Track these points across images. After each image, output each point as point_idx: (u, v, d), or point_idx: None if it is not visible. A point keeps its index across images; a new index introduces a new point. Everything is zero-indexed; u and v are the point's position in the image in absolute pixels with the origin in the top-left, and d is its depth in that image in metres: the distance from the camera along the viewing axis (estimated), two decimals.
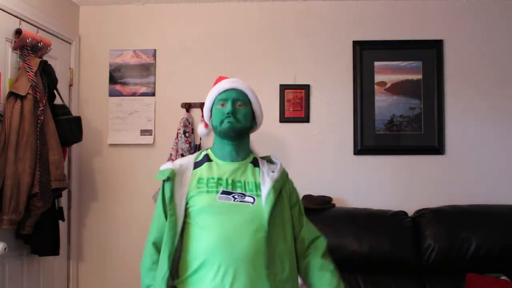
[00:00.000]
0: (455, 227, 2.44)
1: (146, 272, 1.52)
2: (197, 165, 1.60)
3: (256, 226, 1.44)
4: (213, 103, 1.63)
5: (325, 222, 2.52)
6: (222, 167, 1.57)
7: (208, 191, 1.49)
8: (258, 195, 1.50)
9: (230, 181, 1.52)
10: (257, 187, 1.52)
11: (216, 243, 1.42)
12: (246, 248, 1.40)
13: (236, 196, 1.48)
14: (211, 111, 1.65)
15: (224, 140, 1.58)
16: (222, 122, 1.55)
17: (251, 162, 1.62)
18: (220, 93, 1.61)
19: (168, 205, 1.49)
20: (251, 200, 1.49)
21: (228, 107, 1.56)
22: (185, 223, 1.48)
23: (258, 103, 1.66)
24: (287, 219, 1.54)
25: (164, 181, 1.55)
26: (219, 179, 1.52)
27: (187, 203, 1.50)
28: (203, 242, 1.44)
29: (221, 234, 1.43)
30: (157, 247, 1.52)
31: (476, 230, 2.41)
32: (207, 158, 1.61)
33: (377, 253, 2.42)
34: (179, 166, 1.58)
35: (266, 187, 1.52)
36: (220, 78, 1.71)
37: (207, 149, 1.67)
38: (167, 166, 1.58)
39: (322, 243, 1.60)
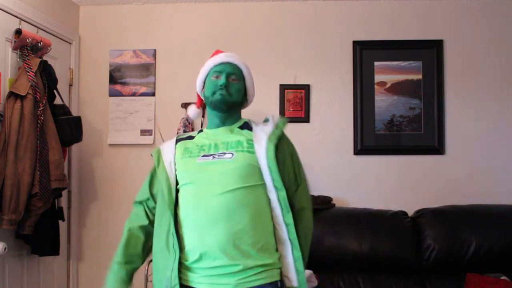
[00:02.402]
0: (455, 227, 2.44)
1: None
2: (181, 139, 1.66)
3: (229, 180, 1.45)
4: (207, 75, 1.65)
5: (325, 222, 2.53)
6: (209, 135, 1.62)
7: (190, 156, 1.55)
8: (238, 150, 1.51)
9: (213, 145, 1.56)
10: (239, 143, 1.53)
11: (191, 202, 1.47)
12: (215, 206, 1.42)
13: (215, 156, 1.51)
14: (204, 83, 1.67)
15: (214, 111, 1.61)
16: (214, 93, 1.58)
17: (239, 127, 1.64)
18: (216, 65, 1.62)
19: (159, 171, 1.58)
20: (229, 156, 1.50)
21: (222, 79, 1.58)
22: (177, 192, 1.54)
23: (251, 80, 1.67)
24: (273, 170, 1.48)
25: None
26: (203, 145, 1.57)
27: (176, 172, 1.55)
28: (183, 205, 1.48)
29: (194, 195, 1.47)
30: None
31: (476, 230, 2.41)
32: (191, 136, 1.68)
33: (377, 253, 2.42)
34: (164, 143, 1.69)
35: (262, 142, 1.52)
36: (217, 52, 1.73)
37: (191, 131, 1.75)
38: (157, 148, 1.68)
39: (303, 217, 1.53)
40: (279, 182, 1.46)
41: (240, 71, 1.63)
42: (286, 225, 1.45)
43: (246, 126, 1.64)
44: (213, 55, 1.70)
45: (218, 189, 1.43)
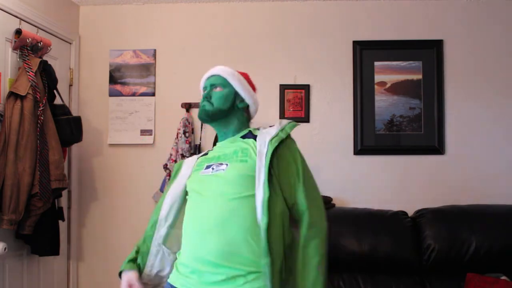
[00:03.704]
0: (455, 227, 2.44)
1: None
2: (205, 154, 1.70)
3: (222, 191, 1.44)
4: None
5: None
6: (217, 148, 1.65)
7: (197, 170, 1.59)
8: (232, 161, 1.50)
9: (216, 157, 1.58)
10: (235, 153, 1.53)
11: (189, 213, 1.50)
12: (208, 218, 1.42)
13: (214, 167, 1.53)
14: None
15: (206, 124, 1.71)
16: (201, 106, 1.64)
17: (242, 136, 1.63)
18: (204, 83, 1.68)
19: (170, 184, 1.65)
20: (224, 166, 1.50)
21: (206, 92, 1.64)
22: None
23: (241, 84, 1.64)
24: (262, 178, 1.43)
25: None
26: (210, 158, 1.60)
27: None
28: (185, 215, 1.53)
29: (191, 207, 1.51)
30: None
31: (476, 230, 2.41)
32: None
33: (377, 253, 2.42)
34: (189, 158, 1.76)
35: (264, 145, 1.49)
36: None
37: None
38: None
39: (304, 220, 1.44)
40: (266, 184, 1.40)
41: (224, 79, 1.64)
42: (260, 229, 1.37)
43: (250, 135, 1.61)
44: None
45: (212, 201, 1.45)
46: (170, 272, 1.54)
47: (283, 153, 1.50)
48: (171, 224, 1.57)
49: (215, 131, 1.71)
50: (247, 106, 1.67)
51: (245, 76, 1.69)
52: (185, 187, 1.59)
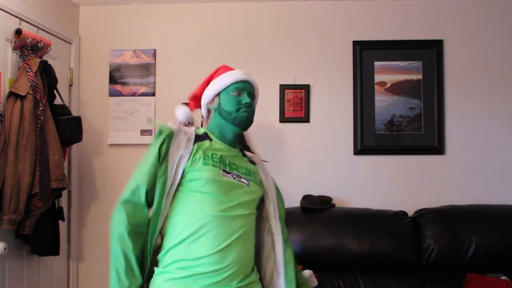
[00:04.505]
0: (455, 227, 2.44)
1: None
2: (199, 138, 1.60)
3: (249, 205, 1.55)
4: (224, 89, 1.63)
5: (325, 222, 2.53)
6: (221, 148, 1.60)
7: (213, 165, 1.51)
8: (251, 180, 1.59)
9: (227, 162, 1.56)
10: (251, 173, 1.62)
11: (215, 215, 1.44)
12: (239, 225, 1.48)
13: (234, 176, 1.55)
14: (216, 96, 1.65)
15: (235, 127, 1.60)
16: (238, 109, 1.59)
17: (240, 151, 1.70)
18: (237, 82, 1.62)
19: (160, 164, 1.50)
20: (246, 182, 1.57)
21: (246, 98, 1.60)
22: (178, 190, 1.49)
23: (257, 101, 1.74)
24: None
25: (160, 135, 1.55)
26: (221, 156, 1.56)
27: (184, 170, 1.49)
28: (204, 210, 1.45)
29: (220, 208, 1.46)
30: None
31: (476, 230, 2.41)
32: (207, 136, 1.63)
33: (377, 253, 2.42)
34: (179, 129, 1.58)
35: (267, 177, 1.71)
36: (225, 67, 1.72)
37: (199, 128, 1.68)
38: (168, 125, 1.58)
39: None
40: (282, 217, 1.66)
41: (256, 92, 1.68)
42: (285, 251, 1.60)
43: (243, 154, 1.70)
44: (220, 70, 1.72)
45: (241, 210, 1.50)
46: None
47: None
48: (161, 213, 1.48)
49: (223, 131, 1.62)
50: None
51: None
52: (182, 173, 1.49)
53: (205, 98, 1.70)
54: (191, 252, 1.41)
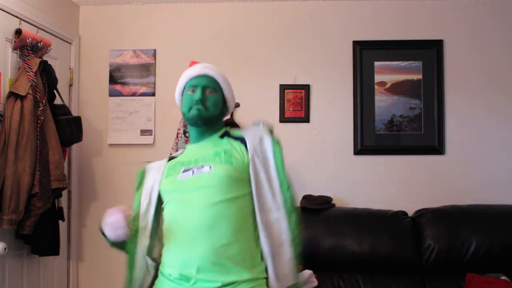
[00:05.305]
0: (455, 227, 2.44)
1: None
2: (172, 158, 1.63)
3: (208, 194, 1.42)
4: (184, 89, 1.59)
5: (325, 222, 2.53)
6: (190, 151, 1.59)
7: (172, 175, 1.52)
8: (216, 163, 1.46)
9: (193, 160, 1.52)
10: (217, 155, 1.49)
11: (172, 219, 1.47)
12: (195, 222, 1.40)
13: (194, 170, 1.47)
14: (182, 96, 1.62)
15: (193, 127, 1.57)
16: (190, 109, 1.52)
17: (220, 136, 1.58)
18: (191, 79, 1.56)
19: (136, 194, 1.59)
20: (207, 169, 1.45)
21: (198, 94, 1.51)
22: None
23: (229, 90, 1.61)
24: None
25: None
26: (184, 162, 1.53)
27: (160, 191, 1.54)
28: (166, 221, 1.49)
29: (174, 213, 1.47)
30: None
31: (476, 230, 2.41)
32: (182, 150, 1.66)
33: (377, 253, 2.42)
34: (151, 166, 1.65)
35: (263, 143, 1.51)
36: (193, 63, 1.67)
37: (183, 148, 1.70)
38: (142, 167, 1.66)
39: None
40: (287, 180, 1.50)
41: (217, 82, 1.56)
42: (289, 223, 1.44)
43: (226, 134, 1.59)
44: (189, 66, 1.66)
45: (197, 205, 1.41)
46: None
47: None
48: (152, 234, 1.51)
49: (191, 132, 1.61)
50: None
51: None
52: (158, 194, 1.52)
53: (176, 100, 1.65)
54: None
